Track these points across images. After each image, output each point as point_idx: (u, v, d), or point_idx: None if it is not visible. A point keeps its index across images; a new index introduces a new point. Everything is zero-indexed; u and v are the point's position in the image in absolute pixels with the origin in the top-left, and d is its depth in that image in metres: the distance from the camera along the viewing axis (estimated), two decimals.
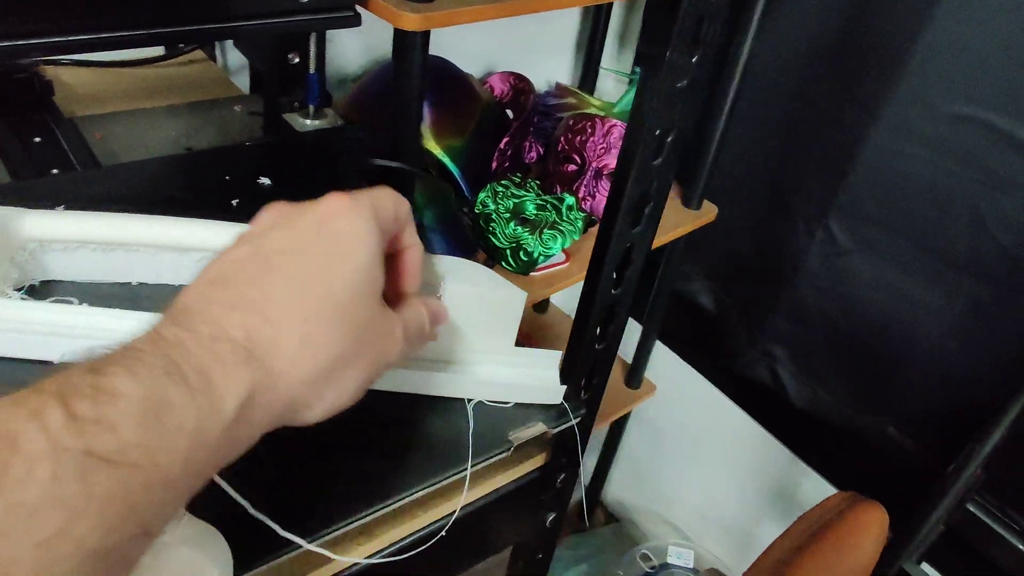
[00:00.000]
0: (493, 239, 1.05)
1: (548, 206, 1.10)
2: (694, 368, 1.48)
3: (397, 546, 0.46)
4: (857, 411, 1.20)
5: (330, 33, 0.97)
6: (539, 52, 1.36)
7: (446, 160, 1.04)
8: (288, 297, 0.33)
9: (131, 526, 0.27)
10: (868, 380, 1.18)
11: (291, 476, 0.43)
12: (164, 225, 0.49)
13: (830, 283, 1.17)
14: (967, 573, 1.14)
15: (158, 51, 0.91)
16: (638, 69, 1.34)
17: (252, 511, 0.39)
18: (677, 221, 1.24)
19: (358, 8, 0.69)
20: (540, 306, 1.65)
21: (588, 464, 1.72)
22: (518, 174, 1.14)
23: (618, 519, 1.78)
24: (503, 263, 1.07)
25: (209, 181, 0.62)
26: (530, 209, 1.10)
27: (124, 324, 0.47)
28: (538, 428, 0.48)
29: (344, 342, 0.35)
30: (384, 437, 0.46)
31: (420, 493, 0.44)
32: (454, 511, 0.48)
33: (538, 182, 1.14)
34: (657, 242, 1.21)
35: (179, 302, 0.34)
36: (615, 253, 0.46)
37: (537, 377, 0.50)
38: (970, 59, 0.96)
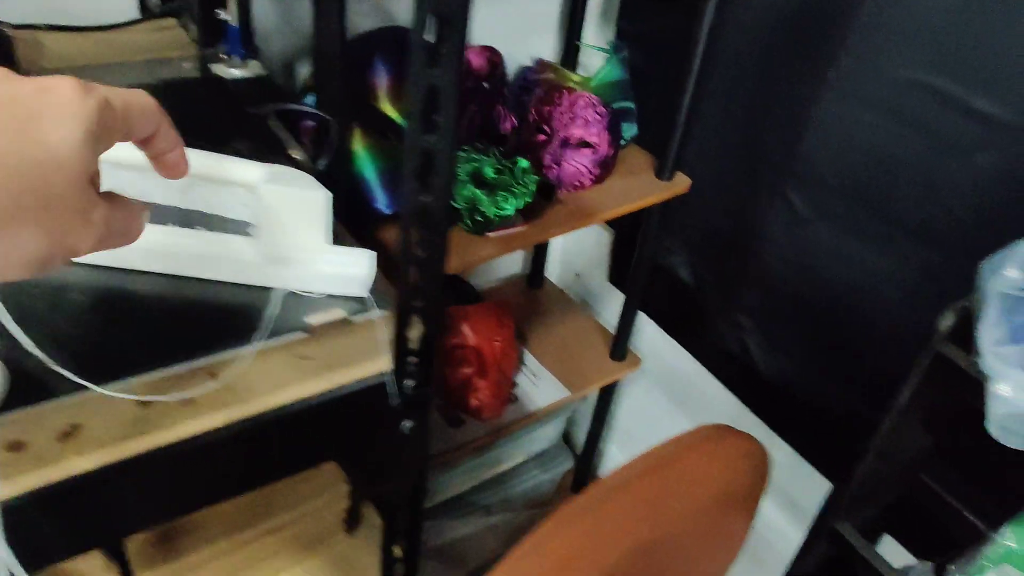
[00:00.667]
0: (451, 201, 1.10)
1: (505, 171, 1.14)
2: (677, 341, 1.49)
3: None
4: (819, 380, 1.20)
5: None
6: (524, 29, 1.41)
7: (404, 123, 1.10)
8: None
9: None
10: (829, 350, 1.18)
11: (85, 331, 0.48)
12: None
13: (793, 253, 1.18)
14: (930, 547, 1.13)
15: (132, 16, 1.00)
16: (611, 43, 1.38)
17: (32, 349, 0.45)
18: (648, 191, 1.26)
19: None
20: (535, 281, 1.70)
21: (580, 438, 1.75)
22: (482, 142, 1.19)
23: None
24: (460, 223, 1.12)
25: None
26: (489, 173, 1.14)
27: None
28: (336, 313, 0.53)
29: (25, 200, 0.35)
30: (186, 309, 0.51)
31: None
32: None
33: (500, 149, 1.18)
34: (627, 209, 1.24)
35: None
36: (413, 160, 0.51)
37: (343, 267, 0.55)
38: (917, 23, 0.95)
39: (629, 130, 1.34)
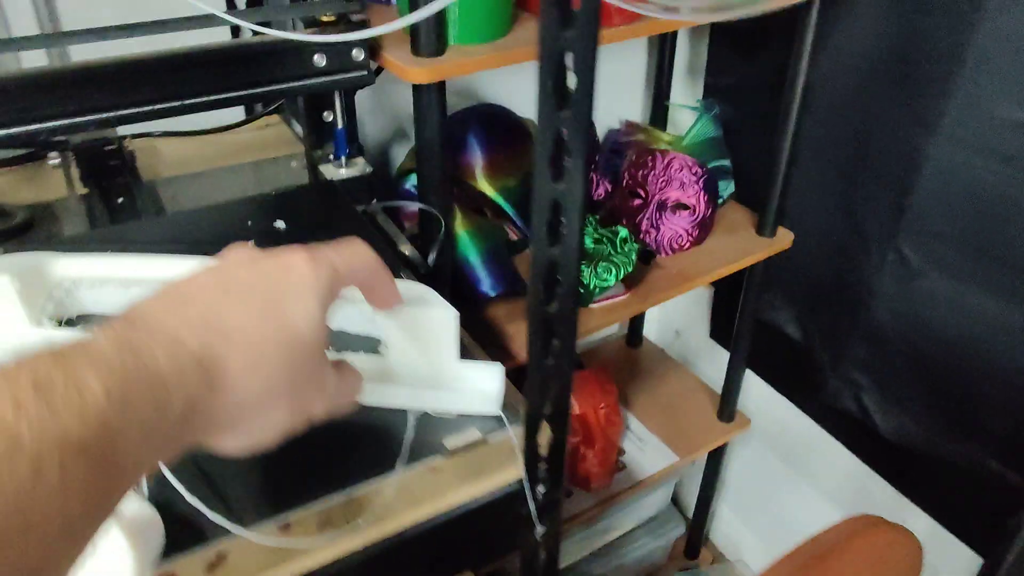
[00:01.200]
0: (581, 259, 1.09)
1: (604, 240, 1.13)
2: (787, 399, 1.44)
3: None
4: (948, 441, 1.13)
5: (394, 88, 1.06)
6: (611, 92, 1.41)
7: (500, 200, 1.10)
8: (244, 324, 0.36)
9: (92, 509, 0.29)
10: (955, 407, 1.11)
11: (232, 470, 0.49)
12: (172, 261, 0.58)
13: (907, 306, 1.12)
14: None
15: (238, 117, 1.04)
16: (700, 101, 1.36)
17: (187, 495, 0.45)
18: (750, 248, 1.23)
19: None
20: (634, 340, 1.67)
21: (689, 499, 1.70)
22: None
23: (728, 560, 1.74)
24: None
25: (233, 226, 0.71)
26: (587, 243, 1.13)
27: None
28: (472, 434, 0.52)
29: (282, 378, 0.37)
30: (325, 437, 0.51)
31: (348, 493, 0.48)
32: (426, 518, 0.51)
33: (597, 216, 1.18)
34: (729, 270, 1.21)
35: (134, 311, 0.36)
36: (539, 270, 0.50)
37: (477, 389, 0.54)
38: None
39: (726, 188, 1.31)
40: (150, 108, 0.72)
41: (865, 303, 1.17)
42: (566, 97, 0.45)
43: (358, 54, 0.76)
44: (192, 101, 0.72)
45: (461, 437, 0.53)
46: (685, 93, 1.44)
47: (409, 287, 0.54)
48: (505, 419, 0.54)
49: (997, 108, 0.94)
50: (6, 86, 0.65)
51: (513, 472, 0.60)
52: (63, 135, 0.76)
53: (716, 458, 1.56)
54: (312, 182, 0.80)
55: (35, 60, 0.80)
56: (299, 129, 1.00)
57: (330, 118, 0.83)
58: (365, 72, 0.77)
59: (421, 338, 0.52)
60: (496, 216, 1.12)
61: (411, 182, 1.06)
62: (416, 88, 0.80)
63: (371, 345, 0.53)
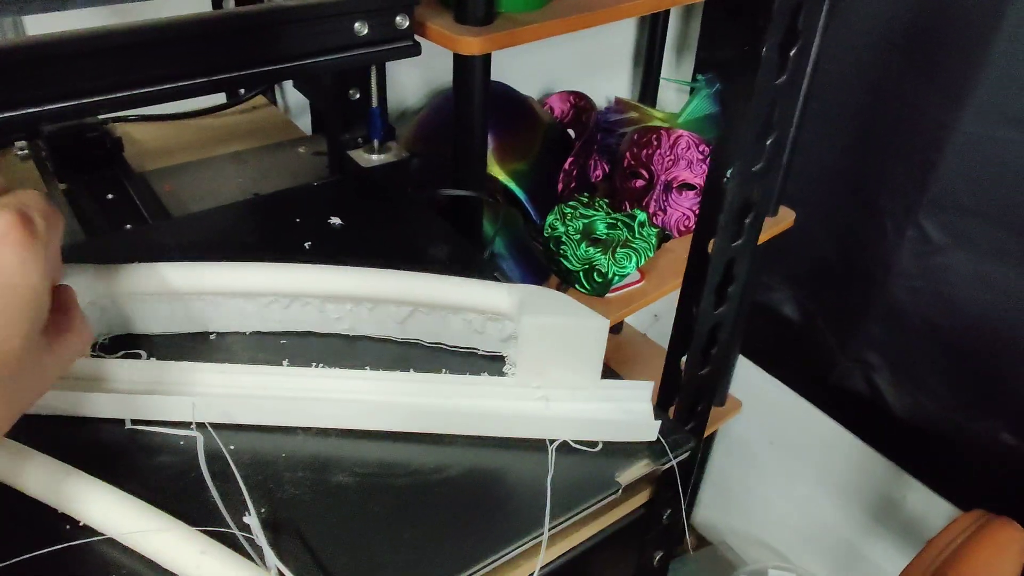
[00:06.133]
0: (565, 262, 1.02)
1: (619, 224, 1.06)
2: (781, 381, 1.41)
3: None
4: (965, 417, 1.13)
5: (389, 66, 0.96)
6: (597, 68, 1.33)
7: (511, 185, 1.02)
8: None
9: None
10: (975, 383, 1.10)
11: (346, 549, 0.39)
12: (233, 270, 0.47)
13: (926, 283, 1.11)
14: None
15: (220, 99, 0.92)
16: (701, 77, 1.30)
17: None
18: None
19: (416, 37, 0.68)
20: (615, 327, 1.61)
21: None
22: (586, 194, 1.11)
23: (711, 542, 1.72)
24: (576, 286, 1.04)
25: (279, 225, 0.61)
26: (600, 228, 1.06)
27: (194, 377, 0.46)
28: (644, 467, 0.44)
29: None
30: (458, 495, 0.42)
31: (498, 562, 0.40)
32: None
33: (607, 200, 1.11)
34: None
35: None
36: (716, 269, 0.42)
37: (627, 411, 0.46)
38: None
39: None
40: (154, 89, 0.60)
41: (879, 281, 1.15)
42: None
43: (402, 21, 0.66)
44: (209, 79, 0.61)
45: (633, 472, 0.45)
46: (673, 70, 1.39)
47: (530, 291, 0.46)
48: (668, 447, 0.46)
49: None
50: None
51: (642, 497, 0.53)
52: (48, 121, 0.62)
53: (706, 444, 1.52)
54: (356, 172, 0.69)
55: None
56: (282, 107, 0.89)
57: (356, 96, 0.72)
58: (411, 42, 0.67)
59: (561, 354, 0.44)
60: (507, 202, 1.03)
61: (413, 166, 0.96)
62: (460, 61, 0.71)
63: (496, 368, 0.45)
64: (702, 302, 0.44)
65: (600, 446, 0.46)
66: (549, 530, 0.41)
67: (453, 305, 0.48)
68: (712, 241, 0.40)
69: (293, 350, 0.50)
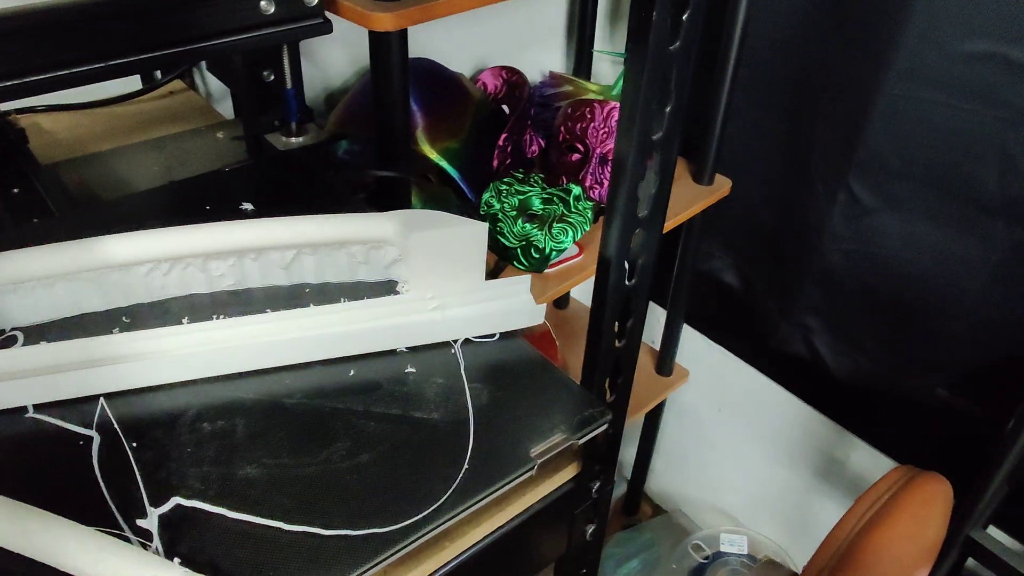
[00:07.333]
0: (502, 239, 1.01)
1: (555, 199, 1.06)
2: (726, 349, 1.43)
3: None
4: (901, 375, 1.15)
5: (313, 47, 0.93)
6: (530, 42, 1.32)
7: (444, 164, 1.01)
8: None
9: None
10: (909, 342, 1.12)
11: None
12: (101, 244, 0.46)
13: (858, 245, 1.12)
14: None
15: (136, 86, 0.89)
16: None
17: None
18: (690, 199, 1.19)
19: (329, 14, 0.66)
20: (560, 301, 1.61)
21: (628, 457, 1.68)
22: (521, 170, 1.10)
23: (665, 510, 1.74)
24: (515, 262, 1.04)
25: (188, 212, 0.59)
26: (536, 204, 1.06)
27: (94, 352, 0.44)
28: (560, 440, 0.44)
29: None
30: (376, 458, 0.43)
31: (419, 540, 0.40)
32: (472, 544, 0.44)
33: (542, 176, 1.10)
34: (672, 223, 1.17)
35: None
36: (622, 242, 0.42)
37: (513, 303, 0.50)
38: None
39: None
40: (47, 76, 0.58)
41: (814, 245, 1.16)
42: None
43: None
44: (106, 64, 0.58)
45: (548, 444, 0.44)
46: (607, 42, 1.38)
47: (415, 215, 0.47)
48: (594, 417, 0.46)
49: (952, 40, 0.93)
50: None
51: (570, 471, 0.53)
52: None
53: (655, 414, 1.54)
54: (272, 154, 0.68)
55: None
56: (204, 93, 0.86)
57: (271, 78, 0.70)
58: (320, 19, 0.65)
59: (449, 263, 0.47)
60: (440, 181, 1.02)
61: (342, 148, 0.94)
62: (375, 38, 0.69)
63: (388, 289, 0.47)
64: (611, 273, 0.44)
65: (497, 336, 0.51)
66: (466, 510, 0.41)
67: (338, 240, 0.49)
68: (617, 203, 0.40)
69: (184, 313, 0.49)
